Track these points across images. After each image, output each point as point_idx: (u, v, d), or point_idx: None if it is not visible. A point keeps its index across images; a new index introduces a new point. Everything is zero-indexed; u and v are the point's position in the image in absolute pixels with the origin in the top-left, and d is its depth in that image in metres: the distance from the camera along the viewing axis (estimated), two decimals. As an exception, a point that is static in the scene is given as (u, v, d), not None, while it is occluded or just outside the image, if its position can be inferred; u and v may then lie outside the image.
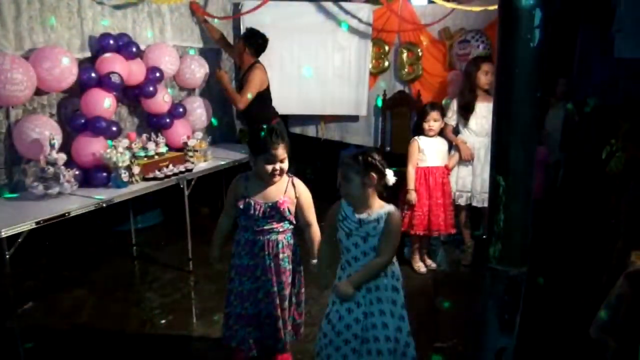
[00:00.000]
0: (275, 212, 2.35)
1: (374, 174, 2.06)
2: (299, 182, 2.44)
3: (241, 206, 2.36)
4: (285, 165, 2.34)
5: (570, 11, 4.97)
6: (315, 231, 2.44)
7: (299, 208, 2.42)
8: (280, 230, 2.40)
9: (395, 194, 3.57)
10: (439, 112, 3.62)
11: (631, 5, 3.97)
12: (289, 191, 2.39)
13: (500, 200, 1.16)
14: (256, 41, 4.15)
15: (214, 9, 4.60)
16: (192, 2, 4.31)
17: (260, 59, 4.24)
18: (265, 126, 2.35)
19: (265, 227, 2.37)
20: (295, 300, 2.53)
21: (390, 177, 2.11)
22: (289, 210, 2.38)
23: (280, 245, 2.40)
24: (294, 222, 2.45)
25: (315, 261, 2.41)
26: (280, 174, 2.34)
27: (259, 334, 2.49)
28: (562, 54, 5.11)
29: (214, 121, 4.60)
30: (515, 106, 1.14)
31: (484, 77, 3.71)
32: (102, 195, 3.04)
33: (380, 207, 2.11)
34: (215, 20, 4.57)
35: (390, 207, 2.12)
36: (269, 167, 2.29)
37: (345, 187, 2.10)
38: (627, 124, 3.26)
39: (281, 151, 2.30)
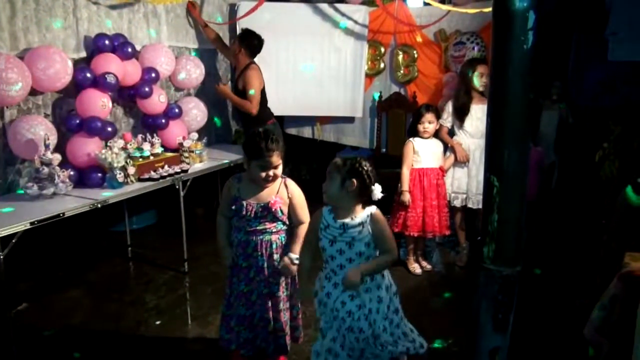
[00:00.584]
0: (267, 212, 2.35)
1: (355, 181, 2.05)
2: (291, 183, 2.44)
3: (233, 207, 2.37)
4: (279, 170, 2.34)
5: (565, 14, 5.00)
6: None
7: (291, 208, 2.42)
8: (274, 230, 2.40)
9: (390, 195, 3.58)
10: (433, 114, 3.63)
11: (624, 10, 4.01)
12: (281, 192, 2.39)
13: (494, 200, 1.18)
14: (252, 42, 4.16)
15: (210, 9, 4.60)
16: (190, 1, 4.30)
17: (257, 59, 4.25)
18: (261, 131, 2.34)
19: (258, 228, 2.37)
20: (290, 303, 2.53)
21: (377, 192, 2.10)
22: (281, 211, 2.38)
23: (274, 246, 2.40)
24: (287, 222, 2.44)
25: (293, 255, 2.39)
26: (274, 180, 2.34)
27: (250, 336, 2.49)
28: (556, 57, 5.13)
29: (217, 121, 4.61)
30: (509, 107, 1.15)
31: (479, 79, 3.73)
32: (97, 196, 3.03)
33: (361, 211, 2.12)
34: (219, 18, 4.57)
35: (371, 209, 2.13)
36: (263, 174, 2.29)
37: (326, 185, 2.13)
38: (619, 127, 3.29)
39: (276, 158, 2.30)
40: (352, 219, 2.10)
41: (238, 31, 4.49)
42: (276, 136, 2.34)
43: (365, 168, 2.09)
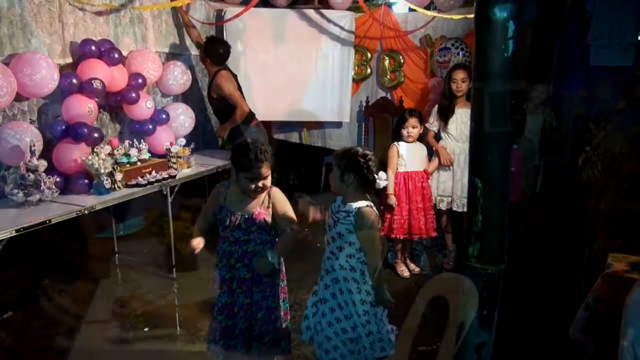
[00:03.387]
0: (251, 223, 2.29)
1: (352, 174, 2.10)
2: (275, 192, 2.35)
3: (218, 216, 2.33)
4: (268, 181, 2.27)
5: (549, 21, 5.10)
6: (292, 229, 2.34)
7: (275, 214, 2.33)
8: (258, 241, 2.33)
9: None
10: (417, 118, 3.68)
11: (605, 17, 4.12)
12: (265, 202, 2.32)
13: (478, 201, 1.21)
14: (216, 51, 4.09)
15: (197, 15, 4.60)
16: (181, 6, 4.29)
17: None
18: (249, 142, 2.25)
19: (241, 239, 2.31)
20: (274, 315, 2.44)
21: (381, 180, 2.13)
22: (265, 222, 2.30)
23: (256, 258, 2.32)
24: (272, 233, 2.37)
25: (270, 252, 2.23)
26: (263, 191, 2.27)
27: (234, 347, 2.41)
28: (540, 62, 5.22)
29: None
30: (491, 112, 1.19)
31: (454, 84, 3.80)
32: (83, 202, 3.01)
33: (354, 201, 2.15)
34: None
35: (361, 203, 2.14)
36: (252, 185, 2.22)
37: (331, 176, 2.19)
38: (602, 132, 3.35)
39: (265, 169, 2.22)
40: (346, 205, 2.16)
41: (225, 36, 4.49)
42: (265, 146, 2.25)
43: (363, 160, 2.10)
